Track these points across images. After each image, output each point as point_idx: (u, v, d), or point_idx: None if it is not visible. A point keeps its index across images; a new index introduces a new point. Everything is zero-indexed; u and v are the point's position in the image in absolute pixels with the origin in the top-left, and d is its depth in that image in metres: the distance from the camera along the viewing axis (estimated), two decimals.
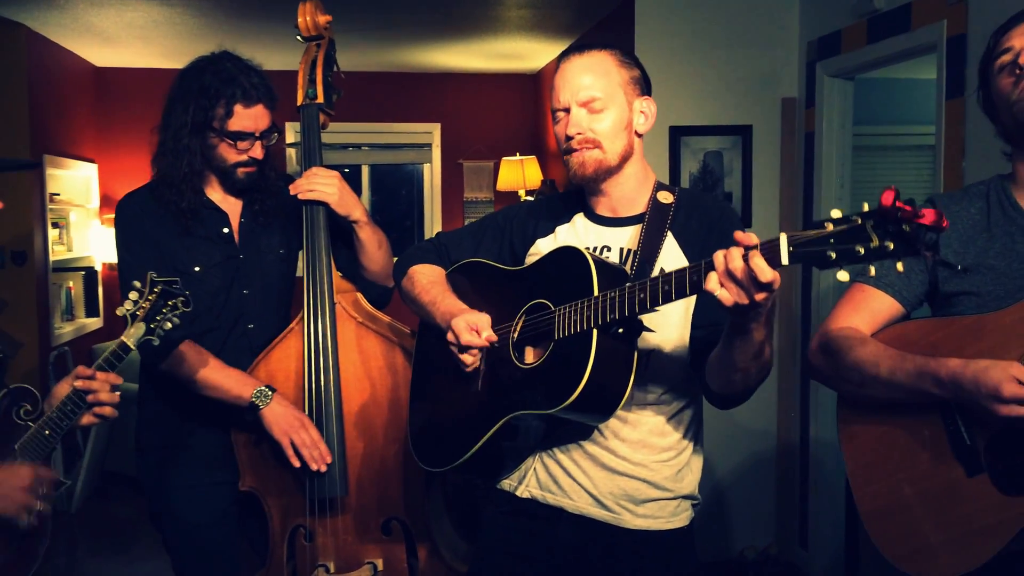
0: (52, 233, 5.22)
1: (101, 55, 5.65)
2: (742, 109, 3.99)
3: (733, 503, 4.09)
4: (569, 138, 1.66)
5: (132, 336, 1.60)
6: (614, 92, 1.67)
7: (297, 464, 2.08)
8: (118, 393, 1.60)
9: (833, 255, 1.17)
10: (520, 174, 5.84)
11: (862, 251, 1.15)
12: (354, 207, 2.22)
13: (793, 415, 4.01)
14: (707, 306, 1.57)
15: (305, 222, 2.22)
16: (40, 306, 4.90)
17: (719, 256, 1.29)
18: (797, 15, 3.93)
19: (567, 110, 1.68)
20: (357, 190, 6.51)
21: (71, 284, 5.56)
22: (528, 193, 5.81)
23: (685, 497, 1.73)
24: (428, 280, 1.83)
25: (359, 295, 2.30)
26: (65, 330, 5.26)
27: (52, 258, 5.13)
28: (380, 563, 2.17)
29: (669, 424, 1.69)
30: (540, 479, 1.73)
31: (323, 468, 2.08)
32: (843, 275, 1.19)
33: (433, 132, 6.44)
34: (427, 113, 6.43)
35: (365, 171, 6.55)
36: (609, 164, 1.67)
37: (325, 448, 2.09)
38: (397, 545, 2.18)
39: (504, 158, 5.97)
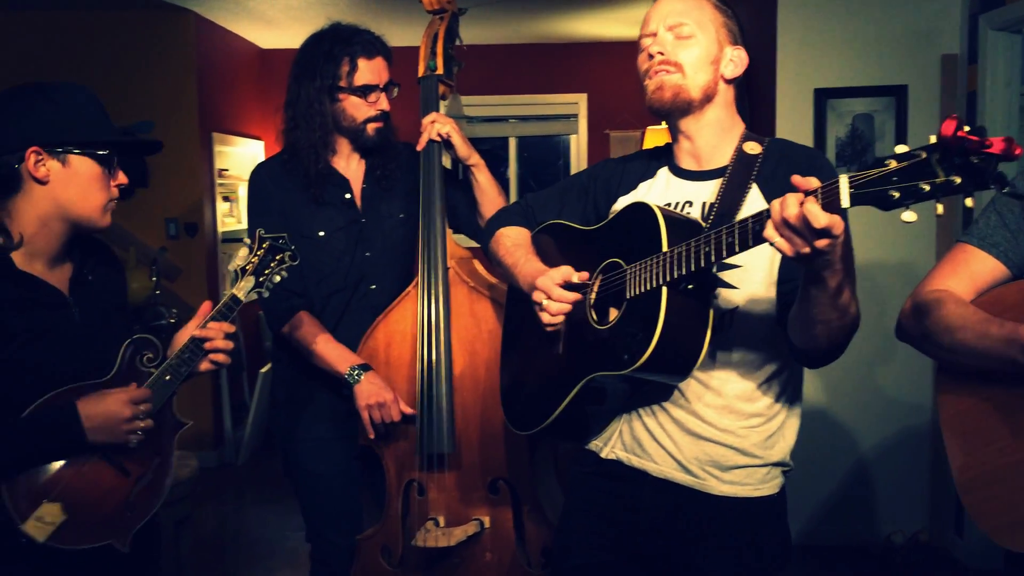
0: (223, 206, 5.61)
1: (266, 37, 5.99)
2: (896, 68, 3.74)
3: (880, 483, 3.90)
4: (651, 57, 1.62)
5: (242, 289, 1.72)
6: (705, 25, 1.63)
7: (372, 436, 2.21)
8: (231, 342, 1.71)
9: (896, 194, 1.10)
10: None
11: (927, 188, 1.08)
12: (472, 150, 2.32)
13: None
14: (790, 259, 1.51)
15: (422, 183, 2.30)
16: (210, 274, 5.29)
17: (775, 203, 1.24)
18: None
19: (654, 35, 1.64)
20: (504, 162, 6.65)
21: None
22: None
23: (776, 464, 1.67)
24: (512, 243, 1.85)
25: (475, 261, 2.36)
26: None
27: (222, 229, 5.51)
28: (487, 520, 2.23)
29: (759, 389, 1.63)
30: (625, 441, 1.72)
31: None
32: (909, 215, 1.12)
33: (579, 103, 6.42)
34: (573, 84, 6.41)
35: (512, 143, 6.62)
36: (689, 95, 1.62)
37: (396, 416, 2.20)
38: (503, 504, 2.24)
39: (649, 127, 5.87)
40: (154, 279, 4.91)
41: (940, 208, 1.11)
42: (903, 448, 3.87)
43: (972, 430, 1.55)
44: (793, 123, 3.79)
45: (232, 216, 5.86)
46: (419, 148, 2.31)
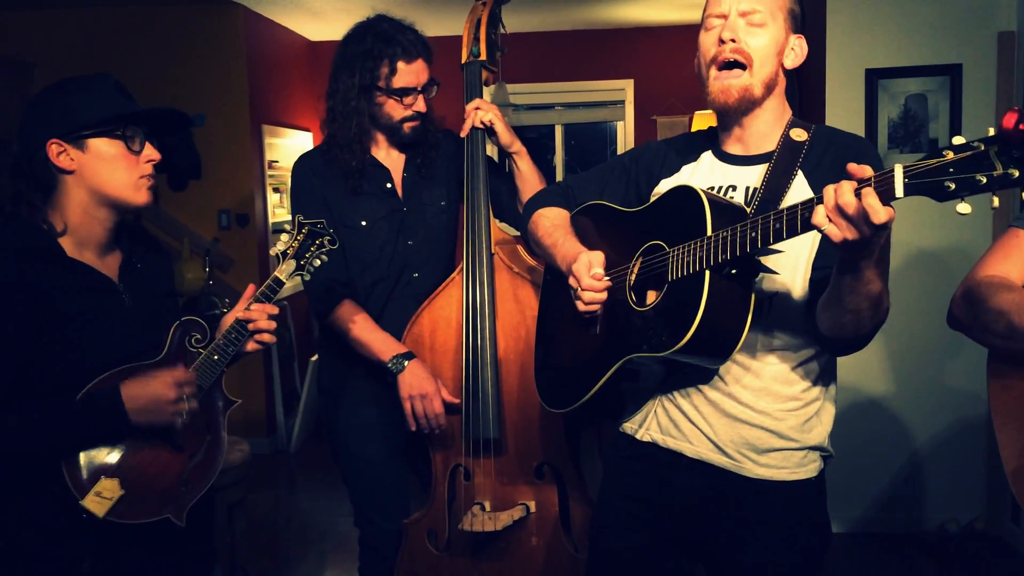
0: (273, 198, 5.70)
1: (314, 30, 6.05)
2: (950, 46, 3.65)
3: (934, 471, 3.82)
4: (722, 42, 1.60)
5: (284, 272, 1.76)
6: (775, 13, 1.62)
7: (413, 428, 2.22)
8: (275, 322, 1.75)
9: (952, 185, 1.10)
10: None
11: (984, 180, 1.07)
12: (515, 138, 2.33)
13: None
14: (830, 244, 1.50)
15: (467, 169, 2.31)
16: (261, 264, 5.38)
17: (829, 190, 1.23)
18: None
19: (724, 17, 1.62)
20: (551, 150, 6.63)
21: None
22: None
23: (813, 448, 1.66)
24: (551, 223, 1.85)
25: (519, 246, 2.37)
26: (284, 286, 5.73)
27: (272, 220, 5.60)
28: (533, 504, 2.24)
29: (795, 372, 1.62)
30: (661, 423, 1.72)
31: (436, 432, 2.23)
32: (964, 207, 1.11)
33: (626, 88, 6.37)
34: (620, 69, 6.36)
35: (558, 131, 6.60)
36: (753, 94, 1.61)
37: (441, 421, 2.22)
38: (549, 488, 2.25)
39: (697, 112, 5.82)
40: (207, 269, 5.01)
41: (996, 201, 1.11)
42: (959, 436, 3.79)
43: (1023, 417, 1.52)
44: (844, 105, 3.72)
45: (283, 207, 5.94)
46: (463, 135, 2.32)
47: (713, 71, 1.62)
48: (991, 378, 1.59)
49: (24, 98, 5.07)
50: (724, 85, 1.61)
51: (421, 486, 2.47)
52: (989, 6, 3.60)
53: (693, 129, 5.76)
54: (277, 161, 5.77)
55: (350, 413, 2.39)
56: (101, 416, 1.57)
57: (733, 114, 1.65)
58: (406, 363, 2.22)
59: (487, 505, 2.25)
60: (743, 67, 1.60)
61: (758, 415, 1.62)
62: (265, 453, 5.29)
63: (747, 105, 1.63)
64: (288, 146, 6.02)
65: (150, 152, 1.67)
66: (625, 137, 6.47)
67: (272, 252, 1.79)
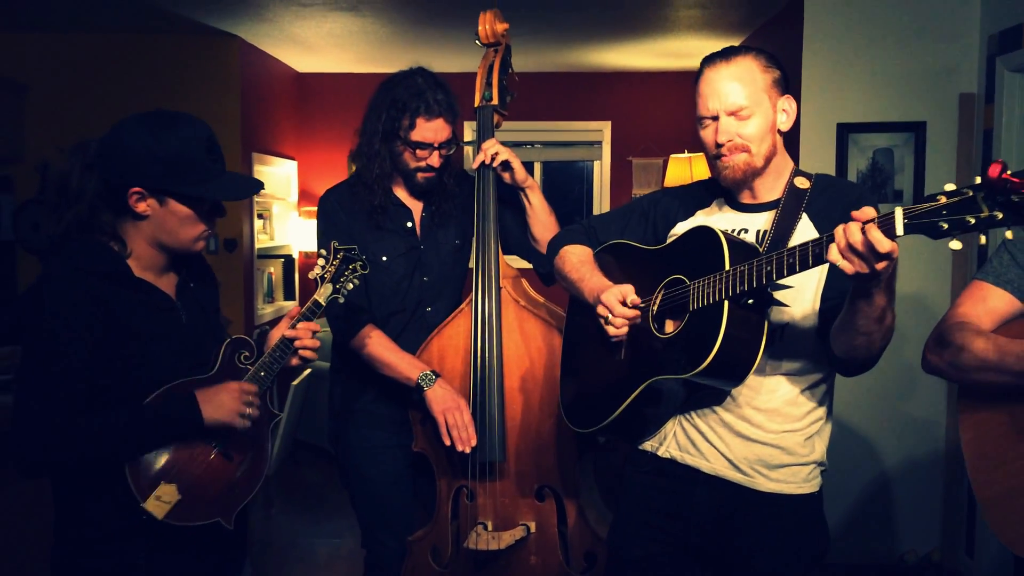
0: (257, 224, 5.79)
1: (303, 62, 6.19)
2: (916, 105, 3.91)
3: (894, 503, 4.02)
4: (719, 145, 1.79)
5: (322, 295, 1.90)
6: (760, 98, 1.79)
7: (448, 442, 2.32)
8: (318, 341, 1.89)
9: (945, 225, 1.27)
10: (688, 171, 5.91)
11: (972, 221, 1.25)
12: (527, 174, 2.47)
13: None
14: (836, 278, 1.69)
15: (477, 207, 2.46)
16: (246, 289, 5.46)
17: (839, 230, 1.41)
18: (978, 7, 3.81)
19: (715, 118, 1.80)
20: None
21: (272, 270, 6.14)
22: None
23: (816, 463, 1.86)
24: (577, 259, 2.03)
25: (523, 280, 2.52)
26: (266, 311, 5.83)
27: (257, 246, 5.69)
28: (533, 525, 2.38)
29: (803, 395, 1.82)
30: (679, 441, 1.90)
31: (466, 450, 2.32)
32: (956, 244, 1.29)
33: (603, 130, 6.61)
34: (598, 112, 6.60)
35: (537, 168, 6.81)
36: (755, 166, 1.80)
37: (472, 433, 2.32)
38: (549, 510, 2.39)
39: (672, 155, 6.05)
40: None
41: (983, 239, 1.29)
42: (917, 469, 4.00)
43: (993, 448, 1.70)
44: (816, 156, 3.95)
45: (265, 233, 6.03)
46: (474, 166, 2.45)
47: (717, 161, 1.81)
48: (962, 413, 1.77)
49: (15, 120, 5.13)
50: (730, 164, 1.80)
51: (421, 505, 2.59)
52: (952, 69, 3.87)
53: (668, 171, 6.02)
54: (264, 188, 5.85)
55: (362, 436, 2.51)
56: (179, 416, 1.70)
57: (742, 184, 1.84)
58: (435, 379, 2.35)
59: (489, 525, 2.38)
60: (744, 150, 1.79)
61: (768, 434, 1.82)
62: None
63: (752, 176, 1.82)
64: (275, 174, 6.12)
65: (217, 213, 1.80)
66: (602, 176, 6.69)
67: (311, 276, 1.93)
